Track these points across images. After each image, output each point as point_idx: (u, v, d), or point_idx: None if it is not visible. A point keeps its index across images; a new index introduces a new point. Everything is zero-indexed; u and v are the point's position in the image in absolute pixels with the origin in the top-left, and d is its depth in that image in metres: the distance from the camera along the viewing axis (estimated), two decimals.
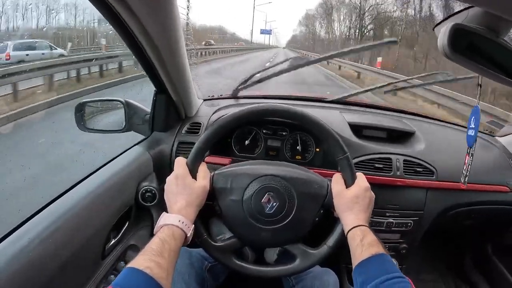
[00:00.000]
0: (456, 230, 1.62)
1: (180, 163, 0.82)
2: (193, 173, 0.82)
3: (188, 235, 0.73)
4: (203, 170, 0.83)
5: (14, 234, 0.67)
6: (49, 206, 0.76)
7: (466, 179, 0.89)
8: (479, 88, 0.78)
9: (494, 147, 1.39)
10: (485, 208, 1.27)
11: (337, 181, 0.84)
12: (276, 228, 0.83)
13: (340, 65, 16.54)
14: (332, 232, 0.87)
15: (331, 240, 0.86)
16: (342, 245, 0.82)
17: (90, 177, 0.90)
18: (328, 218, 0.87)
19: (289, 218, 0.83)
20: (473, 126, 0.81)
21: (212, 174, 0.86)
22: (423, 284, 1.63)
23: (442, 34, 0.61)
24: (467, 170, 0.87)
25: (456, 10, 0.63)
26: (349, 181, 0.85)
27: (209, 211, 0.84)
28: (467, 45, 0.62)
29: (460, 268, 1.68)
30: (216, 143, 0.88)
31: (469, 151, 0.85)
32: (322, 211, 0.86)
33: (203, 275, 1.00)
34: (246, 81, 1.44)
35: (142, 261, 0.61)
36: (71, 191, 0.82)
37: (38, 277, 0.65)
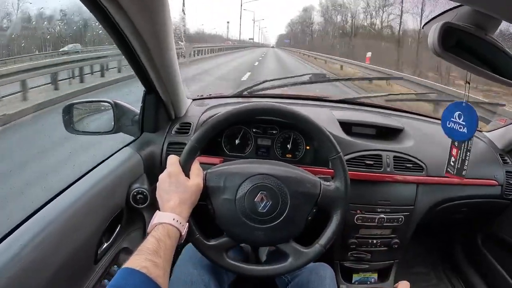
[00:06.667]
0: (447, 224, 1.64)
1: (173, 161, 0.81)
2: (186, 171, 0.81)
3: (183, 233, 0.73)
4: (196, 168, 0.83)
5: (5, 241, 0.65)
6: (39, 212, 0.74)
7: (455, 171, 0.89)
8: (467, 85, 0.79)
9: (482, 142, 1.41)
10: (474, 202, 1.30)
11: None
12: (269, 227, 0.83)
13: (326, 60, 16.86)
14: (325, 231, 0.88)
15: (323, 239, 0.87)
16: (335, 243, 0.83)
17: (80, 181, 0.88)
18: (320, 217, 0.87)
19: (282, 217, 0.83)
20: (464, 123, 0.81)
21: (205, 172, 0.85)
22: (415, 277, 1.65)
23: (432, 32, 0.61)
24: (458, 162, 0.88)
25: (445, 9, 0.64)
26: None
27: (202, 211, 0.84)
28: (456, 43, 0.63)
29: (451, 260, 1.71)
30: (207, 142, 0.87)
31: (462, 146, 0.86)
32: (314, 210, 0.86)
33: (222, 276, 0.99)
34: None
35: (138, 261, 0.60)
36: (61, 195, 0.81)
37: (31, 284, 0.64)
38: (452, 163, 0.89)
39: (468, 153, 0.85)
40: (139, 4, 0.73)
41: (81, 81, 6.02)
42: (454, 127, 0.84)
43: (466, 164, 0.86)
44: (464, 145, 0.85)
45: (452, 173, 0.89)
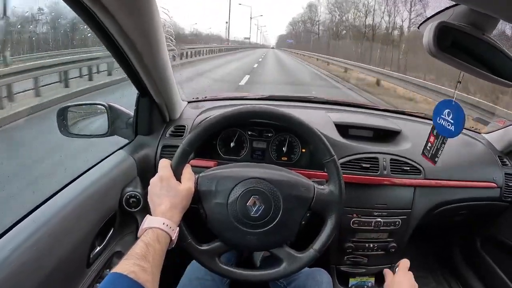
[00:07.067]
0: (445, 227, 1.63)
1: (164, 164, 0.81)
2: (178, 175, 0.80)
3: (173, 238, 0.72)
4: (187, 172, 0.82)
5: None
6: (31, 214, 0.73)
7: (429, 155, 0.96)
8: (458, 84, 0.79)
9: (481, 144, 1.40)
10: (473, 205, 1.29)
11: None
12: (262, 231, 0.82)
13: (329, 62, 16.93)
14: (319, 235, 0.86)
15: (317, 244, 0.85)
16: (331, 247, 0.81)
17: (73, 183, 0.87)
18: (315, 221, 0.86)
19: (275, 222, 0.82)
20: (452, 121, 0.83)
21: (196, 176, 0.84)
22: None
23: (428, 32, 0.61)
24: (433, 149, 0.94)
25: (442, 8, 0.63)
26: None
27: (194, 215, 0.83)
28: (451, 43, 0.62)
29: (449, 263, 1.70)
30: (201, 145, 0.86)
31: (439, 137, 0.92)
32: (308, 214, 0.85)
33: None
34: None
35: (126, 266, 0.60)
36: (53, 198, 0.80)
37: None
38: (428, 148, 0.96)
39: (443, 144, 0.91)
40: (124, 4, 0.72)
41: (66, 85, 5.77)
42: (443, 124, 0.86)
43: (440, 153, 0.92)
44: (441, 137, 0.91)
45: (427, 155, 0.97)
